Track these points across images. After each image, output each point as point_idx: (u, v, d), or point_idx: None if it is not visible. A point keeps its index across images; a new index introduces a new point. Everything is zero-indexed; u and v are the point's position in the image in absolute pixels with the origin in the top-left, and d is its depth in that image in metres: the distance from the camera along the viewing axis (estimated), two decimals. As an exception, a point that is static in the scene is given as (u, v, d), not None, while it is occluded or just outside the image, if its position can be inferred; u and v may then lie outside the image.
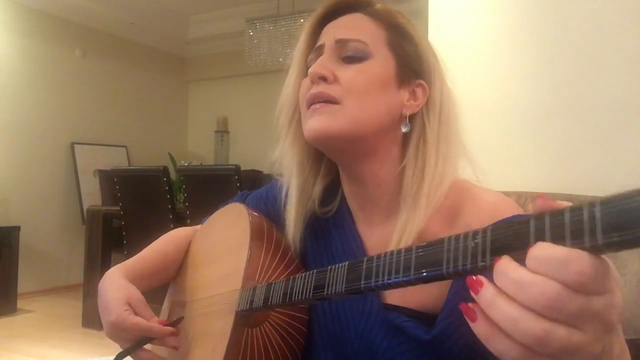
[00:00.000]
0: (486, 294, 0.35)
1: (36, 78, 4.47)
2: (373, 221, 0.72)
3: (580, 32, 1.41)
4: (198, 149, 5.90)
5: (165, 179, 3.18)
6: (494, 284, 0.35)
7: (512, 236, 0.36)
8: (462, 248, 0.39)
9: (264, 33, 4.36)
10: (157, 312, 0.85)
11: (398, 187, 0.68)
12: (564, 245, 0.32)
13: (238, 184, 2.88)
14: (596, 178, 1.33)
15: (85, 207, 4.20)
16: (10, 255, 3.83)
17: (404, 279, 0.44)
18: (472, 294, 0.35)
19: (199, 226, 0.95)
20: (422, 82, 0.69)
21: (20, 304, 3.87)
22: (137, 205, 3.37)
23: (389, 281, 0.45)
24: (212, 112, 5.71)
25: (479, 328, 0.36)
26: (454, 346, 0.60)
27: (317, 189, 0.75)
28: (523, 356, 0.33)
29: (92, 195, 4.62)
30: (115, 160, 4.92)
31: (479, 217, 0.61)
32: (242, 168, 2.98)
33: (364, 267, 0.49)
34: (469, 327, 0.58)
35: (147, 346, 0.76)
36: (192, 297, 0.84)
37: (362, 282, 0.48)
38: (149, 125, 5.55)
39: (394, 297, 0.66)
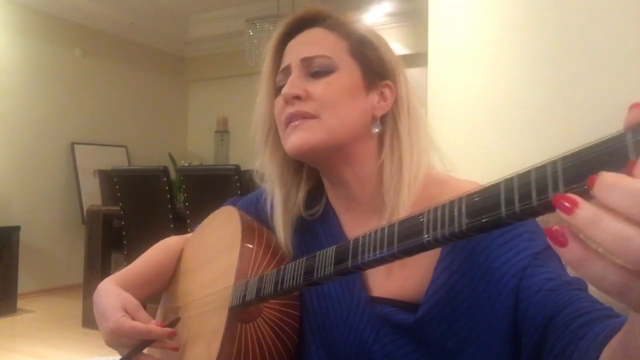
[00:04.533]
0: (586, 212, 0.31)
1: (36, 78, 4.47)
2: (358, 221, 0.74)
3: (581, 33, 1.41)
4: (198, 149, 5.90)
5: (165, 179, 3.18)
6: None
7: (484, 199, 0.37)
8: (440, 216, 0.41)
9: (264, 33, 4.36)
10: (153, 314, 0.85)
11: (378, 185, 0.71)
12: (531, 202, 0.34)
13: (238, 184, 2.88)
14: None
15: (85, 207, 4.20)
16: (10, 255, 3.83)
17: (388, 253, 0.46)
18: (563, 215, 0.32)
19: (190, 234, 0.96)
20: (388, 82, 0.72)
21: (20, 304, 3.87)
22: (137, 205, 3.37)
23: (374, 257, 0.47)
24: (212, 112, 5.71)
25: (570, 253, 0.32)
26: (439, 327, 0.63)
27: (301, 195, 0.78)
28: (623, 280, 0.30)
29: (92, 195, 4.62)
30: (115, 160, 4.92)
31: None
32: (242, 168, 2.98)
33: (350, 247, 0.50)
34: (455, 307, 0.61)
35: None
36: (186, 301, 0.85)
37: (350, 261, 0.50)
38: (149, 125, 5.55)
39: (380, 289, 0.69)
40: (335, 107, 0.68)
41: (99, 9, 4.78)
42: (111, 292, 0.78)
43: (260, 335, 0.69)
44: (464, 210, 0.39)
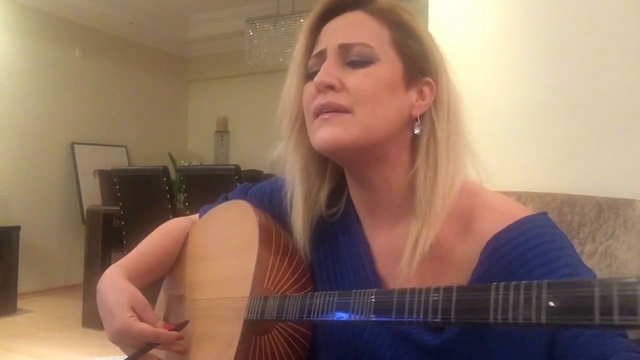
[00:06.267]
0: None
1: (36, 78, 4.47)
2: (380, 226, 0.70)
3: (582, 33, 1.41)
4: (198, 149, 5.90)
5: (165, 179, 3.18)
6: None
7: (573, 299, 0.35)
8: (513, 300, 0.38)
9: (264, 33, 4.36)
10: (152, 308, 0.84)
11: (408, 191, 0.66)
12: (637, 320, 0.31)
13: (238, 184, 2.88)
14: (596, 178, 1.33)
15: (85, 207, 4.20)
16: (10, 255, 3.82)
17: (443, 320, 0.42)
18: None
19: (195, 216, 0.93)
20: (429, 79, 0.66)
21: (20, 304, 3.87)
22: (137, 205, 3.37)
23: (425, 319, 0.44)
24: (212, 112, 5.71)
25: None
26: (464, 353, 0.59)
27: (323, 194, 0.72)
28: None
29: (92, 195, 4.62)
30: (115, 160, 4.92)
31: (493, 225, 0.60)
32: (242, 168, 2.98)
33: (395, 299, 0.47)
34: (484, 334, 0.58)
35: None
36: (193, 294, 0.83)
37: (394, 315, 0.46)
38: (149, 125, 5.54)
39: None
40: (372, 103, 0.62)
41: (99, 9, 4.78)
42: (119, 286, 0.76)
43: (274, 347, 0.68)
44: (544, 302, 0.36)
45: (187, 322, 0.78)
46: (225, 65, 5.61)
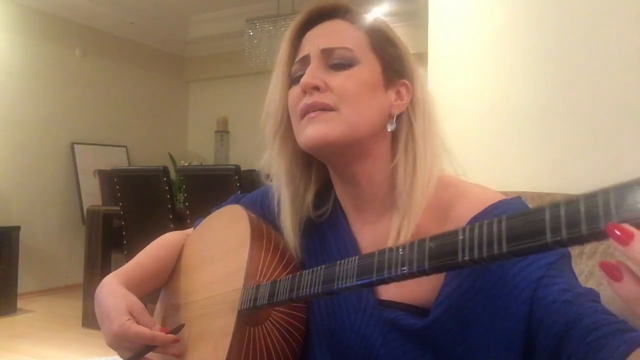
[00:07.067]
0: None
1: (36, 78, 4.47)
2: (366, 220, 0.73)
3: (582, 33, 1.41)
4: (198, 149, 5.90)
5: (165, 179, 3.18)
6: None
7: (528, 224, 0.37)
8: (477, 237, 0.40)
9: (264, 33, 4.37)
10: (151, 313, 0.85)
11: (390, 185, 0.70)
12: (580, 231, 0.33)
13: (238, 184, 2.88)
14: (596, 178, 1.33)
15: (85, 207, 4.20)
16: (10, 255, 3.83)
17: (418, 269, 0.45)
18: (618, 246, 0.32)
19: (190, 230, 0.95)
20: (405, 81, 0.71)
21: (20, 304, 3.87)
22: (137, 205, 3.37)
23: (402, 272, 0.46)
24: (212, 112, 5.71)
25: (625, 288, 0.33)
26: (449, 333, 0.61)
27: (310, 195, 0.76)
28: None
29: (92, 195, 4.62)
30: (115, 160, 4.92)
31: (469, 210, 0.64)
32: (242, 168, 2.98)
33: (376, 260, 0.49)
34: (465, 313, 0.61)
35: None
36: (188, 299, 0.84)
37: (375, 274, 0.49)
38: (149, 125, 5.55)
39: (389, 292, 0.68)
40: (356, 101, 0.67)
41: (99, 9, 4.78)
42: (117, 292, 0.78)
43: (269, 339, 0.69)
44: (504, 233, 0.39)
45: (183, 325, 0.79)
46: (225, 65, 5.61)
